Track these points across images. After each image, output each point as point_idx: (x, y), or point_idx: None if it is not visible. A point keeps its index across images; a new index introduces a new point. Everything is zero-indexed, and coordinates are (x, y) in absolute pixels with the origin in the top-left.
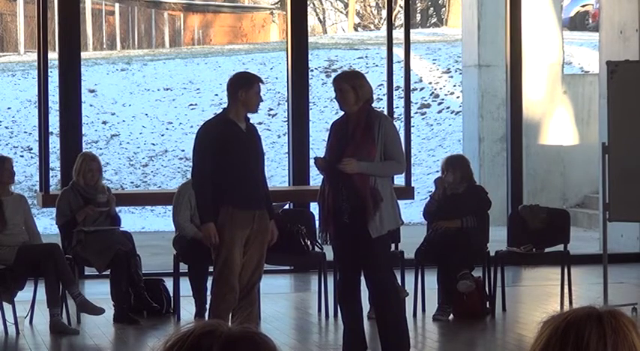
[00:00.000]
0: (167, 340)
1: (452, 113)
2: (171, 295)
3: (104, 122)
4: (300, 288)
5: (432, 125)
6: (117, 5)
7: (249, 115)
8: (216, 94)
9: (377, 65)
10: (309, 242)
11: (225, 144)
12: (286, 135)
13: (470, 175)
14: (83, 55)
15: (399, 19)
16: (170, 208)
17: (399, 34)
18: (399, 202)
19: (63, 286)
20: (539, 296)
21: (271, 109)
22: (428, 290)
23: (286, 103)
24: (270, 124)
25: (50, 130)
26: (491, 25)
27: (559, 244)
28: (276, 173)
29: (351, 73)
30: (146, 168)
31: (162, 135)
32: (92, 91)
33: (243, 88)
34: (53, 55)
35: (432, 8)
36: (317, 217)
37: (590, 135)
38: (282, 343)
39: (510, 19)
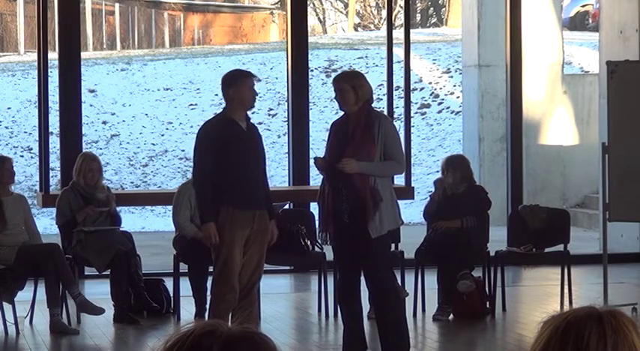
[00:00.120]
0: (167, 340)
1: (452, 113)
2: (171, 295)
3: (104, 122)
4: (300, 288)
5: (432, 125)
6: (117, 5)
7: (249, 114)
8: (216, 94)
9: (377, 65)
10: (309, 242)
11: (225, 144)
12: (286, 135)
13: (470, 175)
14: (83, 55)
15: (399, 19)
16: (170, 208)
17: (399, 34)
18: (399, 202)
19: (63, 286)
20: (539, 296)
21: (271, 109)
22: (428, 290)
23: (286, 103)
24: (270, 124)
25: (50, 130)
26: (491, 25)
27: (559, 244)
28: (276, 173)
29: (351, 73)
30: (146, 168)
31: (162, 135)
32: (92, 91)
33: (232, 86)
34: (53, 55)
35: (432, 8)
36: (317, 217)
37: (590, 135)
38: (282, 343)
39: (510, 19)
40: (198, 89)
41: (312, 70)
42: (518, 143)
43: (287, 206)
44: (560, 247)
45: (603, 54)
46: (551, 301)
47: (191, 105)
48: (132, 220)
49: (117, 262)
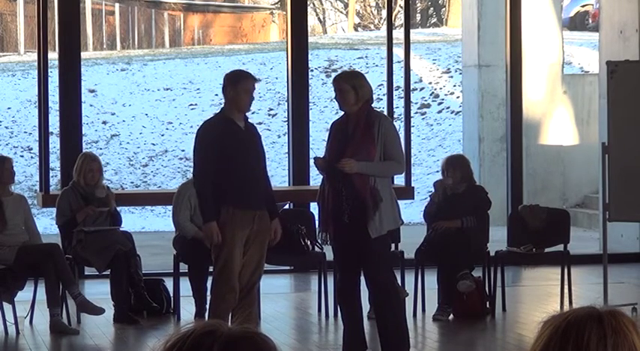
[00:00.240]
0: (167, 340)
1: (452, 113)
2: (171, 295)
3: (104, 122)
4: (300, 288)
5: (432, 125)
6: (117, 5)
7: (248, 114)
8: (216, 94)
9: (377, 65)
10: (309, 242)
11: (224, 143)
12: (286, 135)
13: (470, 175)
14: (83, 55)
15: (399, 19)
16: (170, 208)
17: (399, 34)
18: (399, 202)
19: (63, 286)
20: (539, 296)
21: (271, 109)
22: (428, 290)
23: (286, 103)
24: (270, 124)
25: (50, 130)
26: (491, 25)
27: (559, 244)
28: (276, 173)
29: (351, 73)
30: (146, 168)
31: (162, 135)
32: (92, 91)
33: (231, 86)
34: (53, 55)
35: (432, 8)
36: (317, 217)
37: (590, 135)
38: (282, 343)
39: (510, 19)
40: (198, 89)
41: (312, 70)
42: (518, 143)
43: (287, 206)
44: (560, 247)
45: (603, 54)
46: (551, 301)
47: (191, 105)
48: (132, 220)
49: (117, 262)
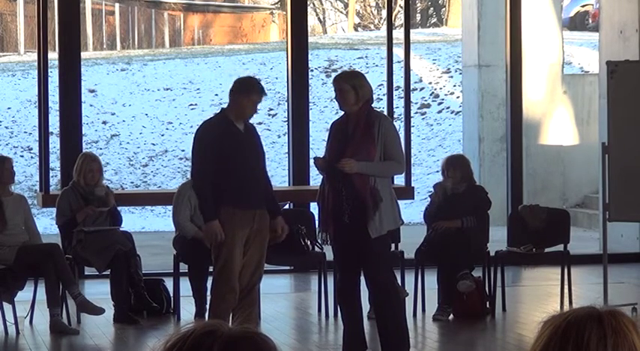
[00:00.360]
0: (167, 340)
1: (452, 113)
2: (171, 295)
3: (104, 122)
4: (300, 288)
5: (432, 125)
6: (117, 5)
7: None
8: (216, 94)
9: (377, 65)
10: (309, 242)
11: (223, 144)
12: (286, 135)
13: (470, 175)
14: (83, 55)
15: (399, 19)
16: (170, 208)
17: (399, 34)
18: (399, 202)
19: (63, 286)
20: (539, 296)
21: (271, 109)
22: (428, 290)
23: (286, 103)
24: (270, 124)
25: (50, 130)
26: (491, 25)
27: (559, 244)
28: (276, 173)
29: (351, 73)
30: (146, 168)
31: (162, 135)
32: (92, 91)
33: (241, 95)
34: (53, 55)
35: (432, 8)
36: (317, 217)
37: (590, 135)
38: (282, 343)
39: (510, 19)
40: (198, 89)
41: (312, 70)
42: (518, 143)
43: (287, 206)
44: (560, 247)
45: (603, 54)
46: (551, 301)
47: (191, 105)
48: (132, 220)
49: (117, 262)
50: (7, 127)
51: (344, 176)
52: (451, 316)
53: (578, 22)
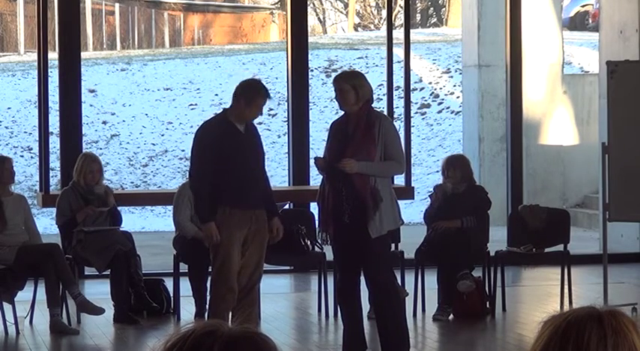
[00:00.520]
0: (167, 341)
1: (452, 113)
2: (171, 295)
3: (104, 122)
4: (300, 288)
5: (432, 125)
6: (117, 5)
7: None
8: (216, 94)
9: (377, 65)
10: (309, 242)
11: (223, 144)
12: (286, 135)
13: (470, 175)
14: (83, 55)
15: (399, 19)
16: (170, 208)
17: (399, 34)
18: (399, 202)
19: (63, 286)
20: (539, 296)
21: (271, 109)
22: (428, 290)
23: (286, 103)
24: (270, 124)
25: (50, 130)
26: (491, 25)
27: (559, 244)
28: (276, 173)
29: (351, 73)
30: (146, 168)
31: (162, 135)
32: (92, 91)
33: (245, 99)
34: (53, 55)
35: (432, 8)
36: (317, 217)
37: (590, 135)
38: (282, 343)
39: (510, 19)
40: (198, 89)
41: (312, 70)
42: (518, 143)
43: (287, 206)
44: (560, 247)
45: (603, 54)
46: (551, 301)
47: (191, 105)
48: (132, 220)
49: (117, 262)
50: (7, 127)
51: (344, 176)
52: (451, 316)
53: (578, 22)
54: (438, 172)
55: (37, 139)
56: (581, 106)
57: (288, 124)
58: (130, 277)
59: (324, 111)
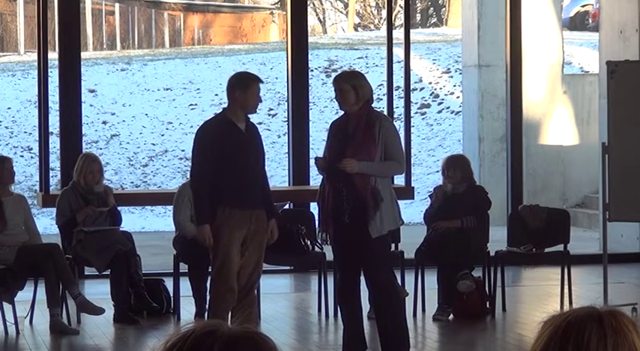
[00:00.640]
0: (167, 340)
1: (452, 113)
2: (171, 295)
3: (104, 122)
4: (300, 288)
5: (432, 125)
6: (117, 5)
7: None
8: (216, 94)
9: (377, 65)
10: (309, 242)
11: (223, 144)
12: (286, 135)
13: (470, 175)
14: (83, 55)
15: (399, 19)
16: (170, 208)
17: (399, 34)
18: (399, 202)
19: (63, 286)
20: (539, 296)
21: (271, 109)
22: (428, 290)
23: (286, 103)
24: (270, 124)
25: (50, 130)
26: (491, 25)
27: (559, 244)
28: (276, 173)
29: (351, 73)
30: (146, 168)
31: (162, 135)
32: (92, 91)
33: (240, 89)
34: (53, 55)
35: (432, 8)
36: (317, 217)
37: (590, 135)
38: (282, 343)
39: (510, 19)
40: (198, 89)
41: (312, 70)
42: (518, 143)
43: (287, 206)
44: (560, 247)
45: (603, 54)
46: (551, 301)
47: (191, 105)
48: (132, 220)
49: (117, 262)
50: (7, 127)
51: (345, 176)
52: (451, 316)
53: (578, 22)
54: (438, 172)
55: (37, 139)
56: (581, 106)
57: (288, 124)
58: (130, 277)
59: (324, 111)
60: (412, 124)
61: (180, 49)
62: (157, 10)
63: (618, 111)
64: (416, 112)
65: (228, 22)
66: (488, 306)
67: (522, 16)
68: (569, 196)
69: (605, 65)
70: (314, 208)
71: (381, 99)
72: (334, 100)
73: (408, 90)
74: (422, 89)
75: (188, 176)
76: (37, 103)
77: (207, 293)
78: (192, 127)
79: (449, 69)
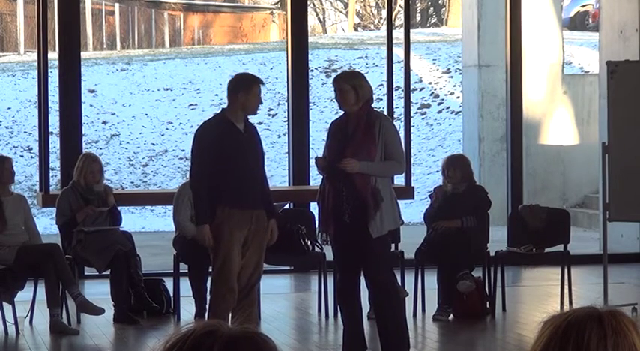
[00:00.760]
0: (167, 340)
1: (452, 113)
2: (171, 295)
3: (104, 122)
4: (300, 288)
5: (432, 125)
6: (117, 5)
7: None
8: (216, 94)
9: (377, 65)
10: (309, 242)
11: (223, 144)
12: (286, 135)
13: (470, 175)
14: (83, 55)
15: (399, 19)
16: (170, 208)
17: (399, 34)
18: (399, 202)
19: (63, 286)
20: (539, 296)
21: (271, 109)
22: (428, 290)
23: (286, 103)
24: (270, 124)
25: (50, 130)
26: (491, 25)
27: (559, 244)
28: (276, 173)
29: (351, 73)
30: (146, 168)
31: (162, 135)
32: (92, 91)
33: (243, 90)
34: (53, 55)
35: (432, 8)
36: (317, 217)
37: (590, 135)
38: (282, 343)
39: (510, 19)
40: (198, 89)
41: (312, 70)
42: (518, 143)
43: (287, 206)
44: (560, 247)
45: (603, 54)
46: (551, 301)
47: (191, 105)
48: (132, 220)
49: (117, 262)
50: (7, 127)
51: (345, 176)
52: (451, 316)
53: (578, 22)
54: (438, 172)
55: (37, 139)
56: (581, 106)
57: (288, 124)
58: (130, 277)
59: (324, 111)
60: (412, 124)
61: (180, 49)
62: (157, 10)
63: (618, 111)
64: (416, 112)
65: (228, 22)
66: (488, 306)
67: (522, 16)
68: (569, 196)
69: (605, 65)
70: (314, 208)
71: (381, 99)
72: (334, 100)
73: (408, 90)
74: (422, 89)
75: (188, 176)
76: (37, 103)
77: (208, 293)
78: (192, 127)
79: (449, 69)
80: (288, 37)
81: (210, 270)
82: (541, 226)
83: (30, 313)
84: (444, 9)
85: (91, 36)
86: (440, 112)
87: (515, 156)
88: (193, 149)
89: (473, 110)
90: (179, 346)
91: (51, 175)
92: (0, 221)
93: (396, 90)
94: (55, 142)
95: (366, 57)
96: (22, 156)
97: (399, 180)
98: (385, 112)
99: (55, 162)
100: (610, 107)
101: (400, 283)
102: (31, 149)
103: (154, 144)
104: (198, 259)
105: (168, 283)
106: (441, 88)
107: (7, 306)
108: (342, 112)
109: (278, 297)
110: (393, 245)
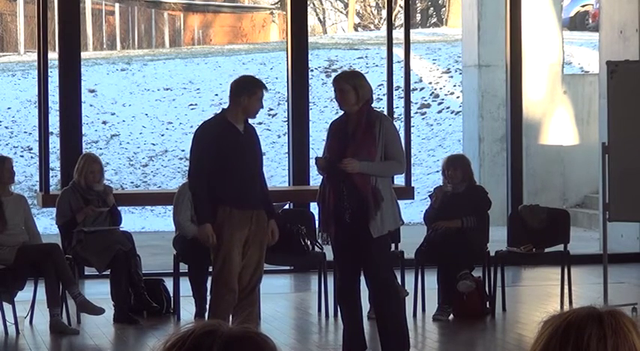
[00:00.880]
0: (167, 340)
1: (452, 113)
2: (172, 295)
3: (104, 122)
4: (300, 288)
5: (432, 125)
6: (117, 5)
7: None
8: (216, 94)
9: (377, 65)
10: (309, 242)
11: (222, 145)
12: (286, 135)
13: (470, 175)
14: (83, 55)
15: (399, 19)
16: (170, 208)
17: (399, 34)
18: (399, 202)
19: (63, 286)
20: (539, 296)
21: (271, 109)
22: (428, 290)
23: (286, 103)
24: (270, 124)
25: (50, 130)
26: (491, 25)
27: (559, 244)
28: (276, 173)
29: (351, 73)
30: (146, 168)
31: (162, 135)
32: (92, 91)
33: (246, 94)
34: (53, 55)
35: (432, 8)
36: (317, 217)
37: (590, 135)
38: (282, 343)
39: (510, 19)
40: (198, 89)
41: (312, 70)
42: (518, 143)
43: (287, 206)
44: (560, 247)
45: (603, 54)
46: (551, 301)
47: (191, 105)
48: (132, 220)
49: (117, 262)
50: (7, 127)
51: (345, 176)
52: (451, 316)
53: (578, 22)
54: (438, 172)
55: (37, 139)
56: (581, 106)
57: (288, 124)
58: (129, 277)
59: (324, 111)
60: (412, 124)
61: (180, 49)
62: (157, 10)
63: (618, 111)
64: (416, 112)
65: (228, 22)
66: (488, 306)
67: (522, 16)
68: (569, 196)
69: (605, 65)
70: (314, 208)
71: (381, 99)
72: (334, 100)
73: (408, 90)
74: (422, 89)
75: (187, 176)
76: (37, 103)
77: (208, 293)
78: (192, 127)
79: (449, 69)
80: (288, 37)
81: (210, 270)
82: (541, 226)
83: (30, 313)
84: (444, 9)
85: (91, 36)
86: (440, 112)
87: (515, 156)
88: (192, 149)
89: (473, 110)
90: (179, 346)
91: (51, 175)
92: (0, 221)
93: (396, 90)
94: (55, 142)
95: (366, 57)
96: (22, 156)
97: (399, 180)
98: (385, 112)
99: (55, 162)
100: (610, 107)
101: (400, 283)
102: (31, 149)
103: (153, 144)
104: (198, 259)
105: (169, 283)
106: (441, 88)
107: (7, 306)
108: (342, 112)
109: (278, 297)
110: (393, 245)
